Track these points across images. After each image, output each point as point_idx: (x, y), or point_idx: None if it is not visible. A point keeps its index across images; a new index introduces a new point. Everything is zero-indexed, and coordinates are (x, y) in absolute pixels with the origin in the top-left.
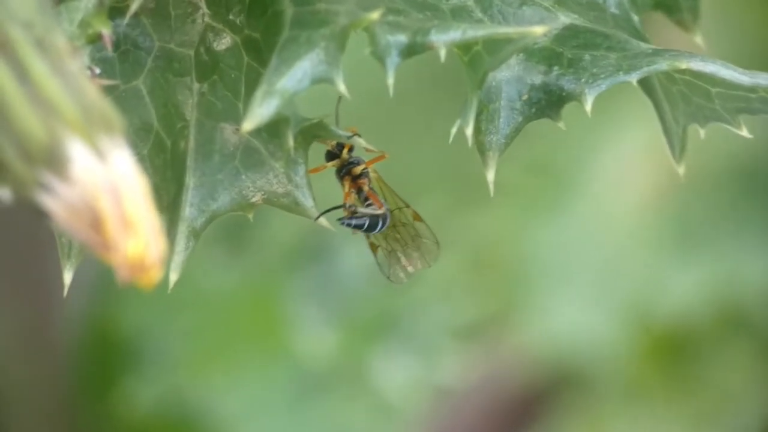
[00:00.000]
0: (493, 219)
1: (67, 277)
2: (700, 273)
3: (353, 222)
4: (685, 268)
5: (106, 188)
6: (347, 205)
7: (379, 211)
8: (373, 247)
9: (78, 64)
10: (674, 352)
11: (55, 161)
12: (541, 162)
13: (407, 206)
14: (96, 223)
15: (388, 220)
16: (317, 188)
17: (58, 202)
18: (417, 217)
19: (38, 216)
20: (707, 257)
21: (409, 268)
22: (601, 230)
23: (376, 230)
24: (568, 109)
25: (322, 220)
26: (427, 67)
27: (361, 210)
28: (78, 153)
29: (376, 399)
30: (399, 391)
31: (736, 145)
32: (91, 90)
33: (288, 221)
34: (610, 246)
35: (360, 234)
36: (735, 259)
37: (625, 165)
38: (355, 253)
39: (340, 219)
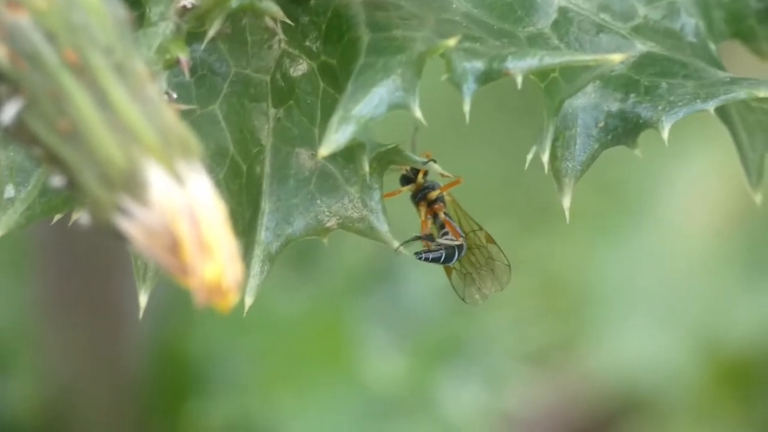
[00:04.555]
0: (561, 243)
1: (143, 299)
2: None
3: (430, 256)
4: (754, 293)
5: (184, 212)
6: (423, 236)
7: (456, 242)
8: (448, 270)
9: (157, 89)
10: (743, 378)
11: (133, 186)
12: (610, 186)
13: (480, 228)
14: (174, 246)
15: (464, 251)
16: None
17: (137, 225)
18: (490, 239)
19: (116, 239)
20: None
21: (484, 290)
22: (670, 256)
23: (452, 261)
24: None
25: (401, 249)
26: (497, 91)
27: (439, 241)
28: (156, 177)
29: (442, 424)
30: (465, 417)
31: None
32: (170, 115)
33: (355, 245)
34: (679, 271)
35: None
36: None
37: (694, 190)
38: (422, 277)
39: (416, 254)
